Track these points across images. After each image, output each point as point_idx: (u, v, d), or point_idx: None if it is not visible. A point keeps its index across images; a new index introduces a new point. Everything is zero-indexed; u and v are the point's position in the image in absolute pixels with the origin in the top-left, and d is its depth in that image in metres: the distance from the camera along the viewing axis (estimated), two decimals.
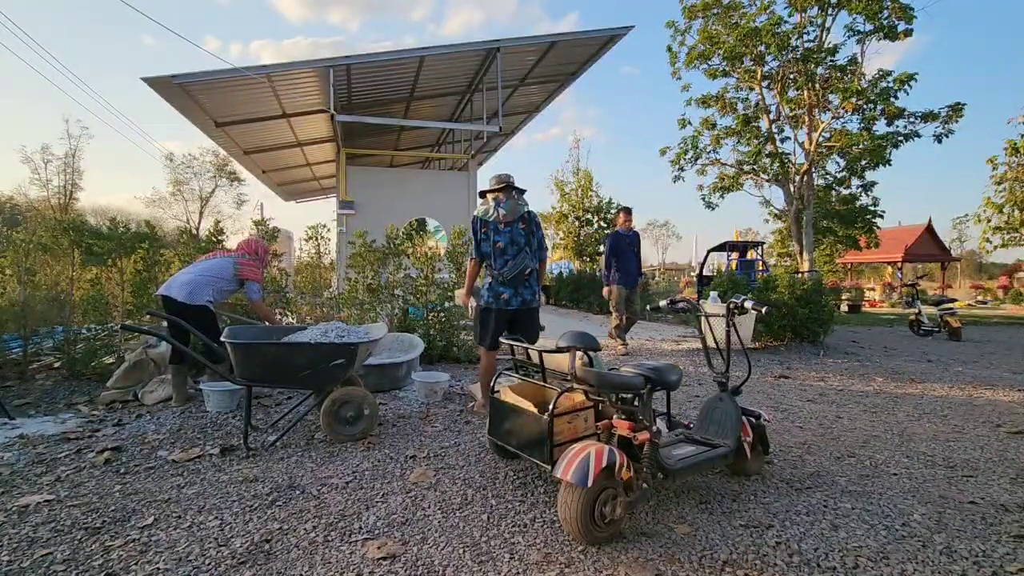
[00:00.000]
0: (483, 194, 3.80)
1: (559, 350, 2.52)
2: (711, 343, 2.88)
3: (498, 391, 2.79)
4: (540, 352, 2.98)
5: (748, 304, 2.70)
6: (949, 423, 3.80)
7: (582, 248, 19.47)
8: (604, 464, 1.98)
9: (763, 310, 2.70)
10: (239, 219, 37.21)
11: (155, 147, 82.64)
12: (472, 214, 3.83)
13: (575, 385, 2.46)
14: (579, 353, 2.40)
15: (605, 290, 6.60)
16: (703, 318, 2.88)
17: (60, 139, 42.90)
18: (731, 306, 2.74)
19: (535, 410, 2.47)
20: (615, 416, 2.32)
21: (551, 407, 2.34)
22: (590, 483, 1.92)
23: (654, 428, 2.20)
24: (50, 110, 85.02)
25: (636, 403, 2.35)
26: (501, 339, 3.76)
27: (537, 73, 11.56)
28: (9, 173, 70.66)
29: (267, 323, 4.39)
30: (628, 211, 6.80)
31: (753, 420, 2.70)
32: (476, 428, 3.54)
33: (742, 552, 1.99)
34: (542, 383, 2.91)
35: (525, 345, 3.09)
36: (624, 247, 6.58)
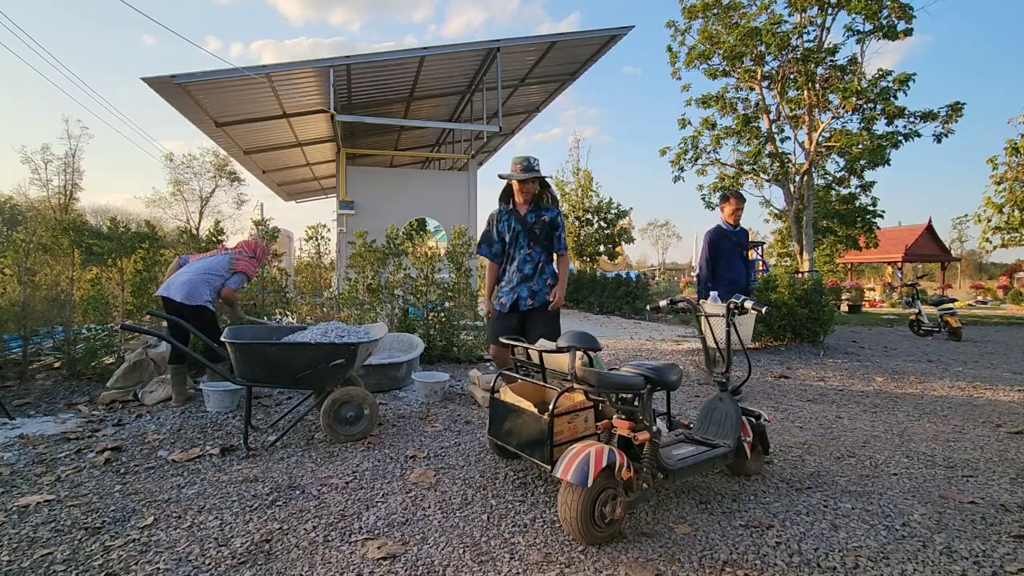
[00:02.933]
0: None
1: (559, 350, 2.52)
2: (711, 343, 2.88)
3: (498, 391, 2.79)
4: (540, 352, 2.98)
5: (748, 304, 2.71)
6: (949, 423, 3.80)
7: (582, 248, 19.48)
8: (604, 464, 1.98)
9: (763, 310, 2.71)
10: (239, 219, 37.28)
11: (155, 147, 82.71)
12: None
13: (575, 385, 2.46)
14: (579, 353, 2.40)
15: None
16: (703, 318, 2.89)
17: (60, 139, 43.04)
18: (731, 306, 2.74)
19: (535, 410, 2.47)
20: (615, 416, 2.32)
21: (551, 407, 2.34)
22: (590, 483, 1.92)
23: (654, 428, 2.20)
24: (50, 110, 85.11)
25: (636, 403, 2.35)
26: (501, 339, 3.75)
27: (537, 73, 11.55)
28: (9, 173, 70.72)
29: (231, 310, 4.28)
30: (726, 198, 4.99)
31: (753, 420, 2.70)
32: (476, 428, 3.54)
33: (742, 552, 1.99)
34: (542, 383, 2.91)
35: (526, 345, 3.09)
36: (728, 248, 4.94)
